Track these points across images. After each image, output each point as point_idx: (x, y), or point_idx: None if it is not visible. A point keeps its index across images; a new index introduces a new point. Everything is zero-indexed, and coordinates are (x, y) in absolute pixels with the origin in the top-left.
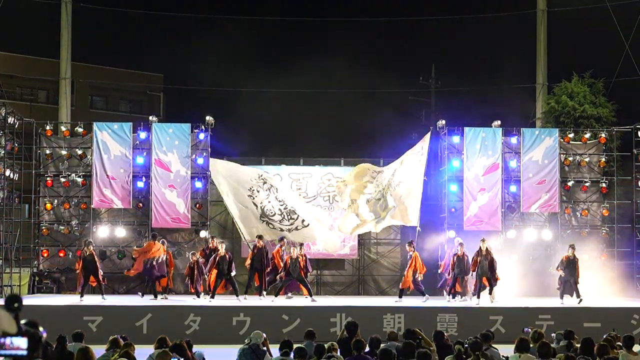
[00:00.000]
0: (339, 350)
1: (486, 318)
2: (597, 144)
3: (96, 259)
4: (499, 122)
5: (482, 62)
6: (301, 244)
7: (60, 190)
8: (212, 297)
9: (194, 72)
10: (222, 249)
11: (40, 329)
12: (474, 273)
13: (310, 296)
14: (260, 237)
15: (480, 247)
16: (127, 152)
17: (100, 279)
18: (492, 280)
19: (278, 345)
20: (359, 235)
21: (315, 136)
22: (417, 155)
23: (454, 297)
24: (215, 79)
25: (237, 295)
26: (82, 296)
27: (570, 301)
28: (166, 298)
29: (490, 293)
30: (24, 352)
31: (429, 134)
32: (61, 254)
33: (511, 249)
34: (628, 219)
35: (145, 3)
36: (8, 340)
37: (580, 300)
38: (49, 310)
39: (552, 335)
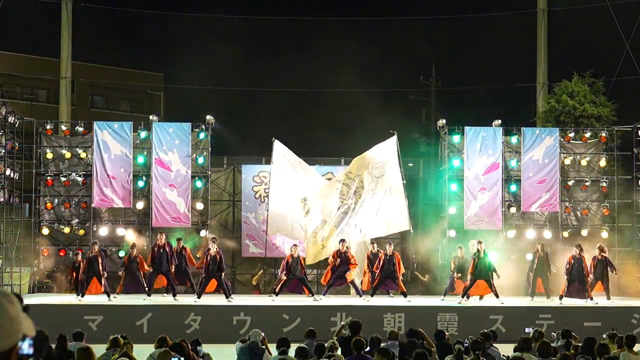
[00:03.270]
0: (339, 349)
1: (486, 317)
2: (597, 144)
3: (100, 260)
4: (500, 121)
5: (482, 61)
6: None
7: (61, 189)
8: (199, 297)
9: (194, 72)
10: (212, 248)
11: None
12: (469, 275)
13: (312, 295)
14: (179, 239)
15: (477, 249)
16: (128, 151)
17: (103, 281)
18: (491, 283)
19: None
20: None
21: (316, 136)
22: (383, 164)
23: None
24: (215, 78)
25: (227, 297)
26: (82, 296)
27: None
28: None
29: (497, 296)
30: (30, 352)
31: (393, 137)
32: (61, 254)
33: (511, 248)
34: (628, 219)
35: (145, 3)
36: (26, 343)
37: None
38: (49, 309)
39: (553, 334)
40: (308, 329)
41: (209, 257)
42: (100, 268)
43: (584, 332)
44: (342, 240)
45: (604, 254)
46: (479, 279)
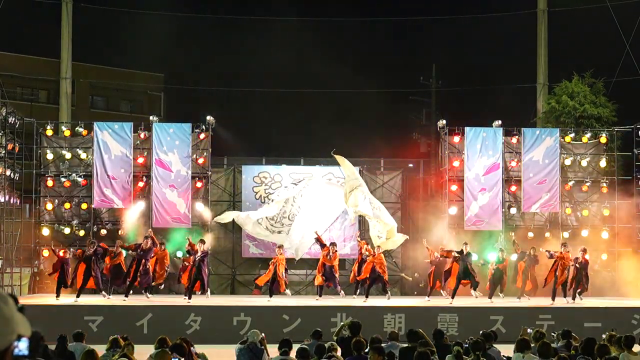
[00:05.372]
0: (339, 350)
1: (487, 318)
2: (597, 144)
3: (94, 258)
4: (500, 122)
5: (482, 61)
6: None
7: (61, 190)
8: (189, 297)
9: (194, 72)
10: (200, 247)
11: None
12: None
13: (285, 290)
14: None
15: (462, 250)
16: (128, 152)
17: (98, 280)
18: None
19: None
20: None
21: (315, 136)
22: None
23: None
24: (215, 78)
25: (204, 293)
26: (78, 296)
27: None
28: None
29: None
30: (25, 352)
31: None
32: (62, 254)
33: (511, 248)
34: (628, 219)
35: (145, 3)
36: (22, 343)
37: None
38: (49, 310)
39: (552, 335)
40: (315, 330)
41: (196, 258)
42: (93, 266)
43: (584, 333)
44: (333, 244)
45: (585, 257)
46: (463, 280)
